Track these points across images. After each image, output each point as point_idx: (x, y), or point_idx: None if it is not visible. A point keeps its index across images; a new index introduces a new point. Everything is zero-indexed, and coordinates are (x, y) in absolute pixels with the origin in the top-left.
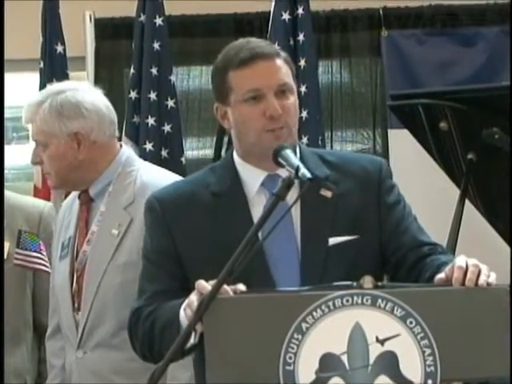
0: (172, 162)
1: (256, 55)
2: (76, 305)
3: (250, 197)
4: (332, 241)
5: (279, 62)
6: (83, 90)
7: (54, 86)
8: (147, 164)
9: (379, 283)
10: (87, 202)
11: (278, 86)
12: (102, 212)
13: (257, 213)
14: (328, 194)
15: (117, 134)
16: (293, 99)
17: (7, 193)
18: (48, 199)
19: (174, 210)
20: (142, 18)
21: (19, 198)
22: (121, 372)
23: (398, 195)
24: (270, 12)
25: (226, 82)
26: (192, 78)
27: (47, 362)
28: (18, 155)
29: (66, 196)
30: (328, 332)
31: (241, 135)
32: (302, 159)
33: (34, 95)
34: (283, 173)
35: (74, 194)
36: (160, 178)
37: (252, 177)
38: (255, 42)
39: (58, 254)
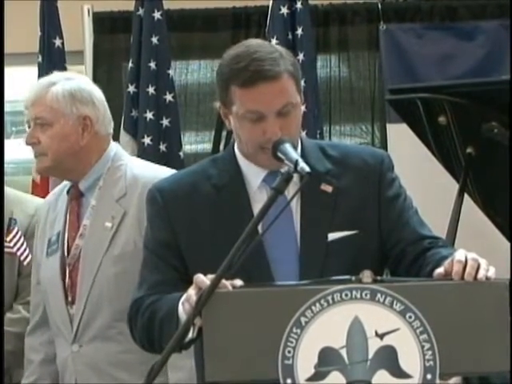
0: (170, 156)
1: (259, 77)
2: (70, 298)
3: (251, 192)
4: (331, 236)
5: (285, 78)
6: (91, 83)
7: (62, 73)
8: (134, 158)
9: (378, 277)
10: (77, 197)
11: (279, 108)
12: (93, 206)
13: (258, 209)
14: (328, 188)
15: (111, 131)
16: (295, 115)
17: (7, 189)
18: (46, 194)
19: (176, 201)
20: (141, 12)
21: (19, 193)
22: (117, 364)
23: (399, 188)
24: (268, 6)
25: (228, 92)
26: (190, 72)
27: (25, 358)
28: (17, 149)
29: None
30: (327, 326)
31: (240, 143)
32: (303, 153)
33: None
34: (285, 170)
35: (56, 191)
36: (150, 171)
37: (254, 172)
38: (260, 57)
39: (44, 250)
